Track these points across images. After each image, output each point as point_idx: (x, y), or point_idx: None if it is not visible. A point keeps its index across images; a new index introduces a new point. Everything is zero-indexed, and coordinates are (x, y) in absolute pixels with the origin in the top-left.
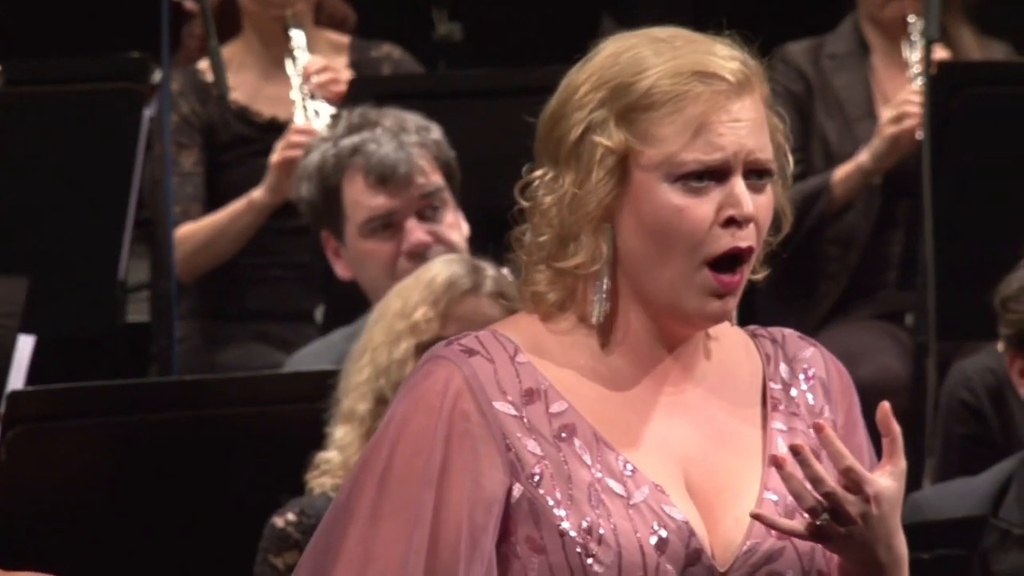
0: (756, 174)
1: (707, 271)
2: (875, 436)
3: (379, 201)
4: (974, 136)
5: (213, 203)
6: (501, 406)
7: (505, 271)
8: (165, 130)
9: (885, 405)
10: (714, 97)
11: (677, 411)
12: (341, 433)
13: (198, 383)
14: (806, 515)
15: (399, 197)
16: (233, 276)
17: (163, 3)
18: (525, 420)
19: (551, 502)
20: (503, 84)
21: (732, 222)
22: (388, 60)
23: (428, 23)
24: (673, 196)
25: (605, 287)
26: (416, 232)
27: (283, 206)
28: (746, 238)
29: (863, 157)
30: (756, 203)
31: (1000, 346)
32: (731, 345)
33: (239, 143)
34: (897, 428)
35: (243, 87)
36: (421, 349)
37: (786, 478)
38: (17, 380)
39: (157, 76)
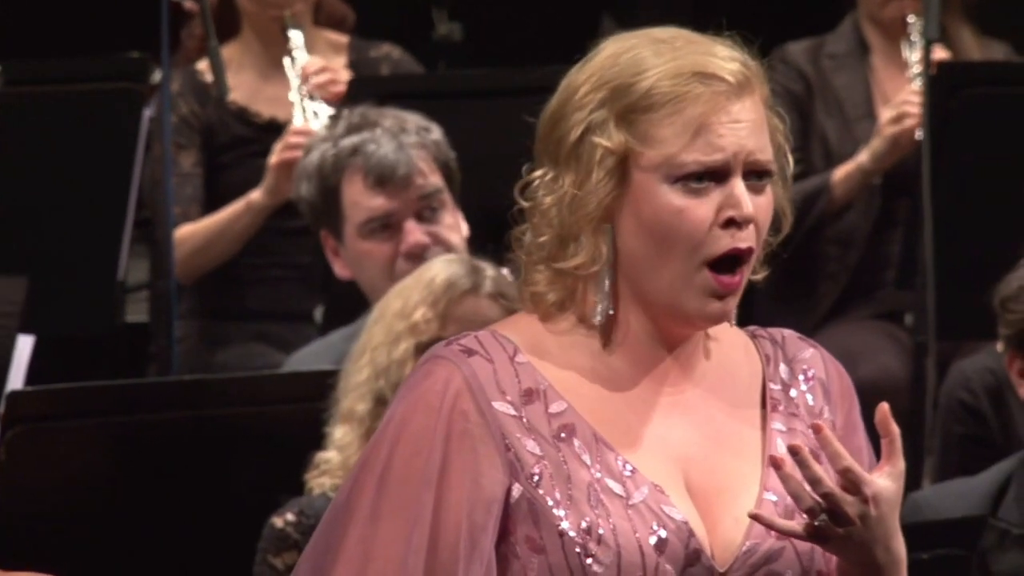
0: (756, 175)
1: (707, 272)
2: (874, 437)
3: (378, 202)
4: (973, 136)
5: (212, 204)
6: (500, 406)
7: (505, 271)
8: (165, 130)
9: (884, 406)
10: (714, 98)
11: (677, 411)
12: (340, 433)
13: (197, 383)
14: (805, 516)
15: (398, 198)
16: (232, 276)
17: (163, 3)
18: (524, 420)
19: (550, 502)
20: (503, 84)
21: (732, 223)
22: (387, 60)
23: (428, 23)
24: (673, 197)
25: (606, 288)
26: (414, 233)
27: (283, 206)
28: (746, 239)
29: (863, 157)
30: (756, 204)
31: (999, 346)
32: (731, 346)
33: (238, 144)
34: (896, 429)
35: (242, 88)
36: (420, 349)
37: (784, 479)
38: (16, 380)
39: (157, 76)
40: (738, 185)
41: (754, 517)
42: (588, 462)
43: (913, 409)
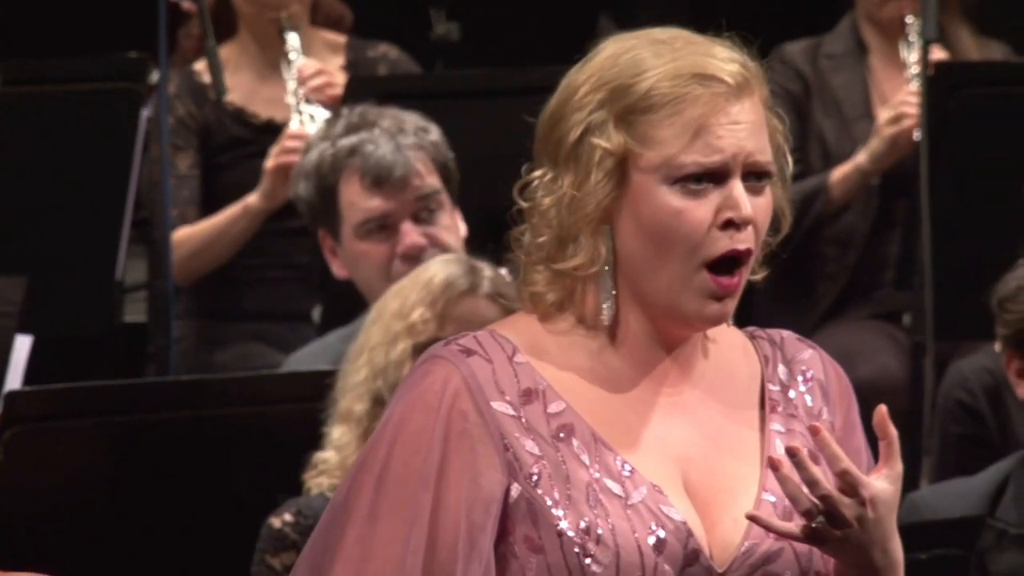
0: (755, 176)
1: (705, 273)
2: (873, 438)
3: (375, 203)
4: (972, 136)
5: (209, 205)
6: (499, 406)
7: (504, 271)
8: (163, 130)
9: (882, 409)
10: (713, 99)
11: (675, 412)
12: (338, 433)
13: (196, 383)
14: (803, 517)
15: (395, 199)
16: (231, 276)
17: (160, 4)
18: (523, 420)
19: (549, 502)
20: (501, 84)
21: (730, 224)
22: (385, 60)
23: (426, 23)
24: (672, 198)
25: (610, 288)
26: (411, 235)
27: (281, 206)
28: (744, 240)
29: (861, 157)
30: (755, 205)
31: (997, 346)
32: (729, 346)
33: (235, 145)
34: (894, 431)
35: (239, 89)
36: (418, 350)
37: (782, 480)
38: (15, 380)
39: (155, 76)
40: (737, 187)
41: (752, 518)
42: (587, 462)
43: (911, 409)
